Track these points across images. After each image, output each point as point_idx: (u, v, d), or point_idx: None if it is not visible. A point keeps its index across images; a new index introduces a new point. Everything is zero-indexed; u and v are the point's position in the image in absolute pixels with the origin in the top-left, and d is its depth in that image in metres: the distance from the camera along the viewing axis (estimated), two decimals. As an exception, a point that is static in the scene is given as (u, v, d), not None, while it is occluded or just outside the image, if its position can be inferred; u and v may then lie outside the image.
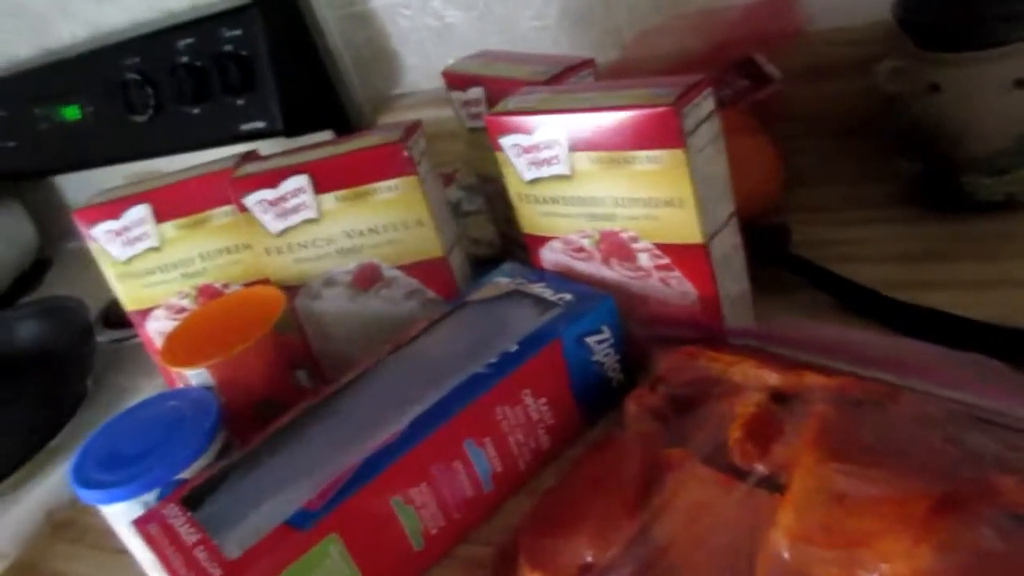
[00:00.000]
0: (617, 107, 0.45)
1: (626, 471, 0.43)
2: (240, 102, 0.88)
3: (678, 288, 0.49)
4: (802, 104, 0.67)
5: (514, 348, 0.47)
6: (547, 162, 0.49)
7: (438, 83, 0.89)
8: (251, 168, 0.56)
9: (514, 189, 0.52)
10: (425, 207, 0.53)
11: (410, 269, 0.55)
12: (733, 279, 0.49)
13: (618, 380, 0.52)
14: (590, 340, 0.49)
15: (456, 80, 0.61)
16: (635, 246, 0.49)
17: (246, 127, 0.89)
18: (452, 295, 0.56)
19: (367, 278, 0.56)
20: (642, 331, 0.52)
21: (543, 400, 0.48)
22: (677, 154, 0.44)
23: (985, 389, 0.41)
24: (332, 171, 0.53)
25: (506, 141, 0.50)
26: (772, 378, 0.43)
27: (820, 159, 0.67)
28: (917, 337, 0.48)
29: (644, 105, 0.44)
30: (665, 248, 0.48)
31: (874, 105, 0.66)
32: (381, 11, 0.88)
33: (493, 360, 0.47)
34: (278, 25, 0.87)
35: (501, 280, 0.54)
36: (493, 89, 0.57)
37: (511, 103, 0.50)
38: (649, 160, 0.45)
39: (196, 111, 0.93)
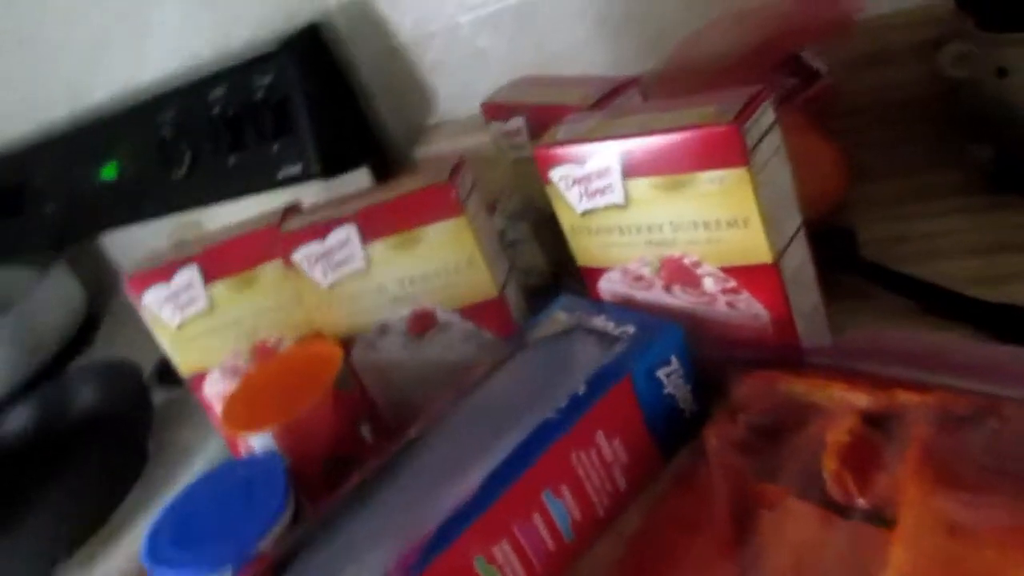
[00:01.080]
0: (674, 129, 0.43)
1: (715, 510, 0.40)
2: (275, 148, 0.88)
3: (747, 310, 0.46)
4: (859, 95, 0.64)
5: (582, 390, 0.45)
6: (600, 192, 0.47)
7: (474, 109, 0.88)
8: (297, 223, 0.55)
9: (567, 222, 0.50)
10: (476, 246, 0.52)
11: (465, 312, 0.54)
12: (805, 294, 0.47)
13: (691, 410, 0.49)
14: (660, 373, 0.47)
15: (495, 111, 0.60)
16: (698, 271, 0.47)
17: (283, 173, 0.89)
18: (510, 333, 0.54)
19: (422, 324, 0.55)
20: (712, 356, 0.50)
21: (617, 440, 0.46)
22: (740, 173, 0.42)
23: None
24: (379, 218, 0.52)
25: (556, 173, 0.48)
26: (862, 400, 0.40)
27: (882, 152, 0.64)
28: (1011, 340, 0.45)
29: (703, 124, 0.42)
30: (731, 271, 0.45)
31: (935, 91, 0.64)
32: (411, 44, 0.87)
33: (562, 404, 0.45)
34: (309, 67, 0.86)
35: (560, 315, 0.53)
36: (536, 118, 0.55)
37: (559, 133, 0.49)
38: (710, 181, 0.43)
39: (232, 161, 0.93)
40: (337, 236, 0.53)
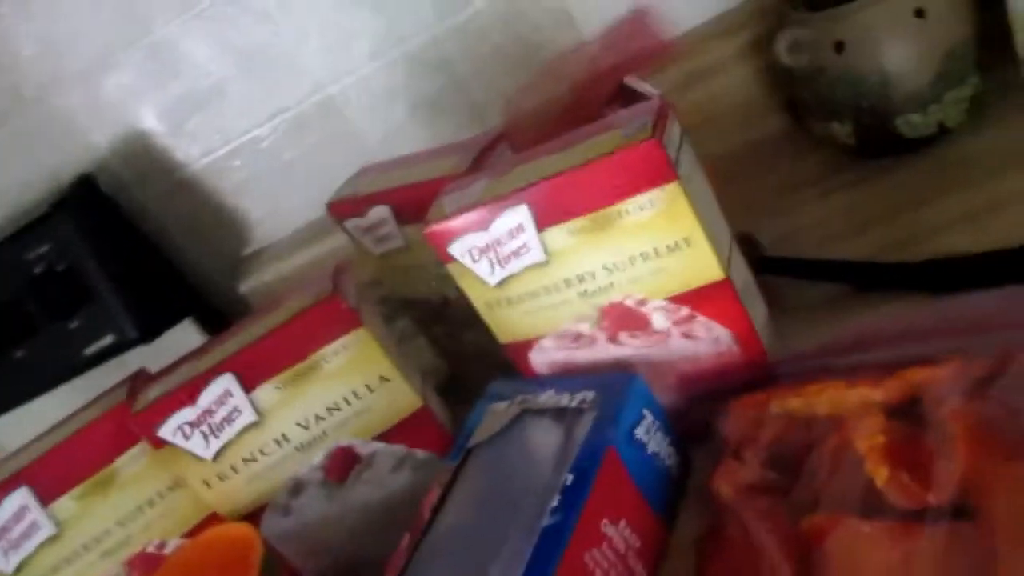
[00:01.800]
0: (588, 162, 0.38)
1: (767, 563, 0.35)
2: (76, 324, 0.75)
3: (707, 336, 0.42)
4: (695, 110, 0.64)
5: (570, 479, 0.39)
6: (515, 254, 0.41)
7: (295, 226, 0.80)
8: (155, 392, 0.44)
9: (480, 298, 0.44)
10: (385, 356, 0.44)
11: (389, 435, 0.46)
12: (756, 305, 0.43)
13: (675, 465, 0.44)
14: (639, 432, 0.41)
15: (347, 208, 0.53)
16: (644, 309, 0.42)
17: (92, 349, 0.75)
18: (447, 445, 0.46)
19: (341, 466, 0.46)
20: (679, 400, 0.45)
21: (623, 523, 0.39)
22: (672, 189, 0.38)
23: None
24: (260, 358, 0.43)
25: (457, 248, 0.42)
26: (876, 394, 0.37)
27: (741, 156, 0.64)
28: (947, 291, 0.44)
29: (619, 148, 0.37)
30: (681, 298, 0.41)
31: (769, 85, 0.65)
32: (206, 172, 0.78)
33: (555, 503, 0.38)
34: (92, 223, 0.74)
35: (498, 406, 0.46)
36: (403, 201, 0.49)
37: (447, 205, 0.43)
38: (640, 208, 0.38)
39: (20, 355, 0.78)
40: (212, 392, 0.43)
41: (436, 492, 0.43)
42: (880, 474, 0.34)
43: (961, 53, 0.52)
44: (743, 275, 0.43)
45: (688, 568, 0.39)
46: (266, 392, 0.43)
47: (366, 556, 0.47)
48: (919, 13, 0.51)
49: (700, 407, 0.44)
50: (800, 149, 0.62)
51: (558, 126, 0.54)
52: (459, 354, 0.57)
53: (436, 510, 0.42)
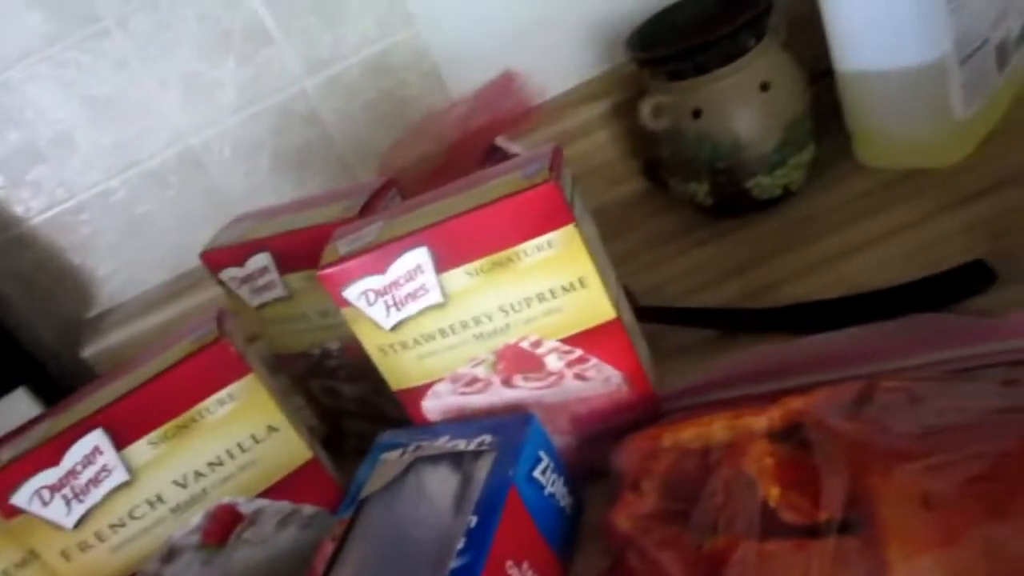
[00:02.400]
0: (488, 203, 0.39)
1: (675, 592, 0.36)
2: None
3: (598, 377, 0.43)
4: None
5: (474, 521, 0.38)
6: (412, 296, 0.41)
7: (146, 286, 0.76)
8: (5, 455, 0.40)
9: (373, 343, 0.43)
10: (275, 406, 0.42)
11: (274, 491, 0.43)
12: (641, 345, 0.45)
13: (569, 505, 0.44)
14: (536, 474, 0.42)
15: (224, 256, 0.51)
16: (539, 351, 0.43)
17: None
18: (336, 499, 0.44)
19: (222, 526, 0.43)
20: (571, 441, 0.46)
21: (526, 564, 0.39)
22: (569, 231, 0.39)
23: (936, 343, 0.41)
24: (139, 409, 0.40)
25: (352, 291, 0.42)
26: (760, 421, 0.39)
27: (606, 213, 0.67)
28: (805, 332, 0.48)
29: (520, 190, 0.38)
30: (575, 339, 0.42)
31: (631, 148, 0.69)
32: (50, 225, 0.72)
33: (461, 546, 0.37)
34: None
35: (390, 456, 0.45)
36: (286, 248, 0.48)
37: (341, 248, 0.42)
38: (538, 249, 0.40)
39: None
40: (79, 451, 0.39)
41: (329, 547, 0.41)
42: (772, 494, 0.36)
43: (800, 123, 0.58)
44: (629, 317, 0.45)
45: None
46: (140, 448, 0.40)
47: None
48: (764, 87, 0.56)
49: (592, 448, 0.45)
50: (661, 208, 0.66)
51: (432, 183, 0.55)
52: (338, 411, 0.56)
53: (330, 566, 0.40)
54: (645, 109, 0.59)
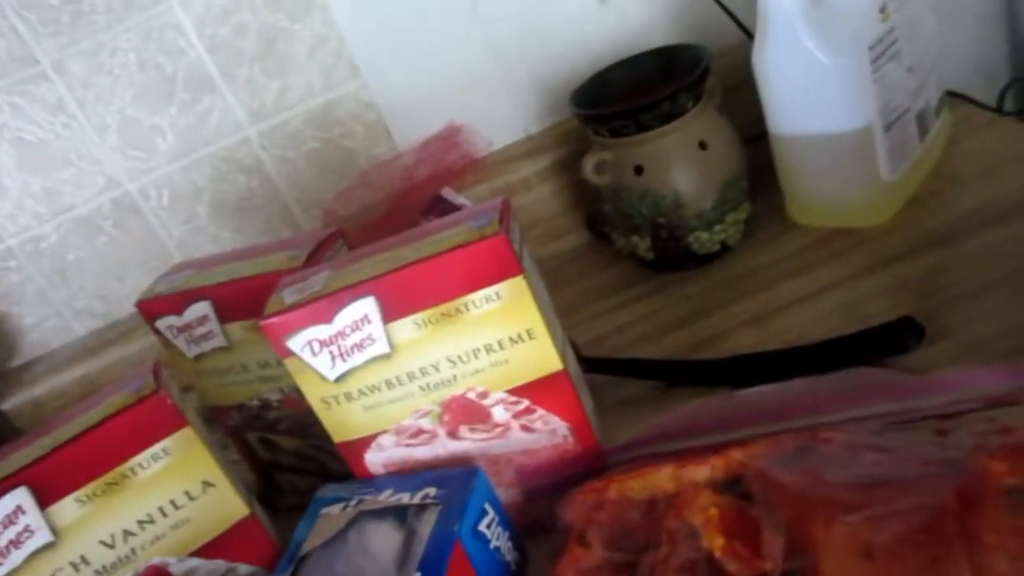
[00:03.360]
0: (437, 254, 0.39)
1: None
2: None
3: (545, 428, 0.43)
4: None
5: (418, 576, 0.37)
6: (359, 347, 0.41)
7: (74, 335, 0.73)
8: (-82, 512, 0.38)
9: (316, 395, 0.43)
10: (211, 460, 0.41)
11: (209, 549, 0.42)
12: (586, 397, 0.46)
13: (515, 560, 0.44)
14: (482, 527, 0.41)
15: (160, 306, 0.49)
16: (485, 402, 0.43)
17: None
18: (274, 558, 0.43)
19: (151, 587, 0.41)
20: (516, 495, 0.45)
21: (471, 621, 0.38)
22: (518, 282, 0.39)
23: (872, 396, 0.43)
24: (67, 466, 0.38)
25: (296, 342, 0.41)
26: (703, 472, 0.40)
27: (545, 267, 0.68)
28: (746, 384, 0.49)
29: (469, 241, 0.39)
30: (521, 390, 0.42)
31: (573, 202, 0.70)
32: (-30, 272, 0.70)
33: (404, 603, 0.36)
34: None
35: (331, 510, 0.44)
36: (227, 298, 0.47)
37: (287, 297, 0.41)
38: (487, 300, 0.40)
39: None
40: (3, 507, 0.37)
41: (266, 607, 0.39)
42: (716, 544, 0.36)
43: (736, 182, 0.60)
44: (575, 368, 0.45)
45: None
46: (66, 507, 0.38)
47: None
48: (702, 145, 0.58)
49: (537, 501, 0.45)
50: (603, 262, 0.67)
51: (376, 233, 0.55)
52: (276, 465, 0.54)
53: (267, 627, 0.39)
54: (588, 165, 0.60)
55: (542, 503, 0.44)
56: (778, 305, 0.55)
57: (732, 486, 0.39)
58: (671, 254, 0.61)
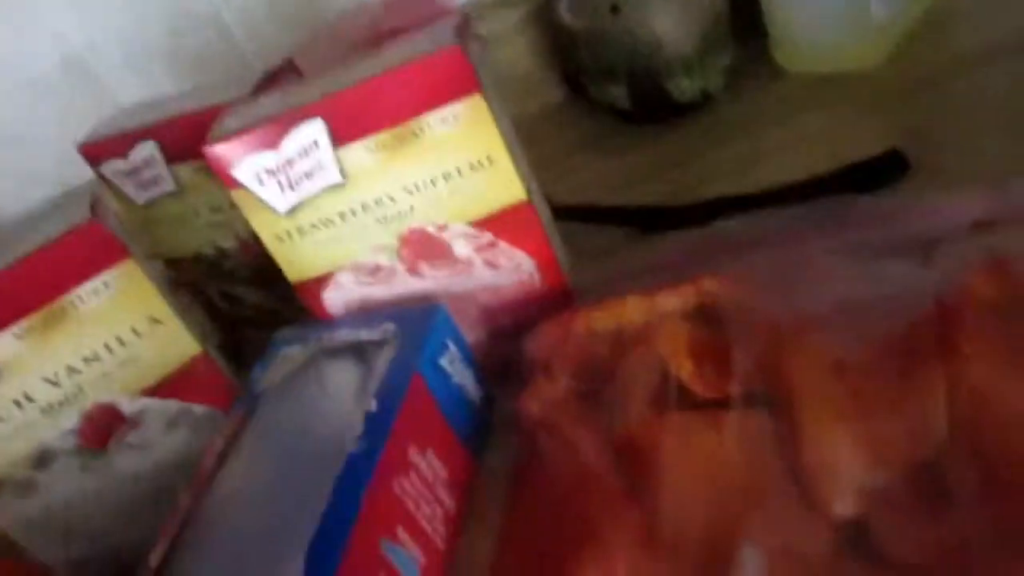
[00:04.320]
0: (387, 69, 0.36)
1: (584, 471, 0.34)
2: None
3: (509, 265, 0.41)
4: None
5: (374, 406, 0.36)
6: (308, 175, 0.38)
7: (27, 202, 0.70)
8: None
9: (269, 231, 0.40)
10: (157, 295, 0.39)
11: (161, 389, 0.40)
12: (555, 236, 0.43)
13: (479, 398, 0.43)
14: (443, 363, 0.40)
15: (105, 148, 0.46)
16: (445, 236, 0.40)
17: None
18: (230, 399, 0.41)
19: (101, 429, 0.39)
20: (482, 334, 0.44)
21: (431, 453, 0.37)
22: (477, 103, 0.37)
23: (854, 223, 0.40)
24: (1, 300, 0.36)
25: (243, 171, 0.38)
26: (673, 301, 0.38)
27: (521, 123, 0.65)
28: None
29: (423, 55, 0.36)
30: (484, 223, 0.40)
31: (548, 57, 0.66)
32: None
33: (358, 432, 0.35)
34: None
35: (289, 351, 0.42)
36: (174, 136, 0.44)
37: (231, 123, 0.39)
38: (443, 121, 0.37)
39: None
40: (-68, 340, 0.35)
41: (219, 443, 0.38)
42: (685, 369, 0.35)
43: (720, 24, 0.56)
44: (543, 205, 0.42)
45: (498, 498, 0.38)
46: (3, 342, 0.36)
47: (134, 538, 0.41)
48: (685, -18, 0.54)
49: (504, 343, 0.43)
50: (581, 116, 0.64)
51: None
52: (236, 318, 0.52)
53: (221, 461, 0.37)
54: (563, 4, 0.56)
55: (509, 345, 0.42)
56: (761, 153, 0.53)
57: (703, 314, 0.37)
58: (649, 103, 0.58)
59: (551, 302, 0.42)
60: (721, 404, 0.33)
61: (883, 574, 0.27)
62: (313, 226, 0.40)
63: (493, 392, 0.44)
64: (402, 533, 0.34)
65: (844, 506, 0.29)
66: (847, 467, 0.29)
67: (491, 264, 0.41)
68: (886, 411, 0.30)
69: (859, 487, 0.29)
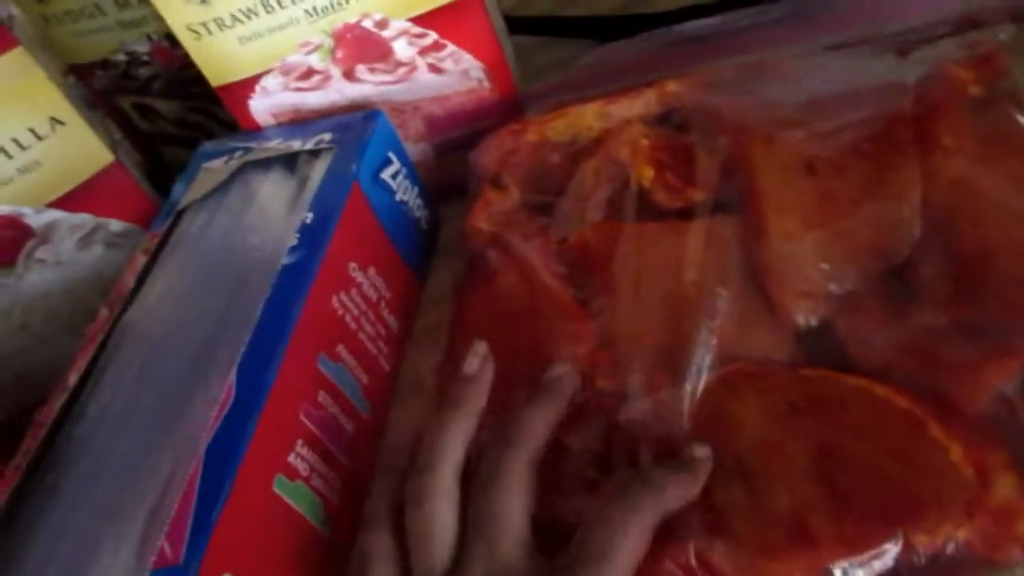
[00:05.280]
0: None
1: (535, 284, 0.32)
2: None
3: (455, 69, 0.38)
4: None
5: (310, 217, 0.33)
6: (224, -46, 0.33)
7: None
8: None
9: (181, 23, 0.36)
10: (56, 92, 0.34)
11: (70, 200, 0.36)
12: (503, 36, 0.39)
13: (426, 219, 0.40)
14: (385, 176, 0.37)
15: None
16: (385, 34, 0.36)
17: None
18: (150, 214, 0.38)
19: (6, 241, 0.36)
20: (427, 150, 0.41)
21: (372, 270, 0.35)
22: None
23: (829, 22, 0.38)
24: None
25: (145, -55, 0.33)
26: (635, 106, 0.35)
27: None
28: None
29: None
30: (427, 19, 0.36)
31: None
32: None
33: (293, 243, 0.32)
34: None
35: (214, 164, 0.38)
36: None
37: None
38: None
39: None
40: None
41: (140, 260, 0.35)
42: (645, 175, 0.32)
43: None
44: (493, 6, 0.38)
45: (443, 319, 0.36)
46: None
47: (45, 360, 0.38)
48: None
49: (450, 159, 0.40)
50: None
51: None
52: (155, 135, 0.48)
53: (142, 279, 0.34)
54: None
55: (456, 161, 0.39)
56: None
57: (665, 120, 0.35)
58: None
59: (501, 113, 0.39)
60: (684, 214, 0.31)
61: (846, 378, 0.26)
62: (233, 17, 0.35)
63: (439, 214, 0.41)
64: (343, 351, 0.32)
65: (807, 311, 0.28)
66: (813, 270, 0.28)
67: (436, 69, 0.38)
68: (857, 211, 0.28)
69: (825, 292, 0.28)
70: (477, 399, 0.27)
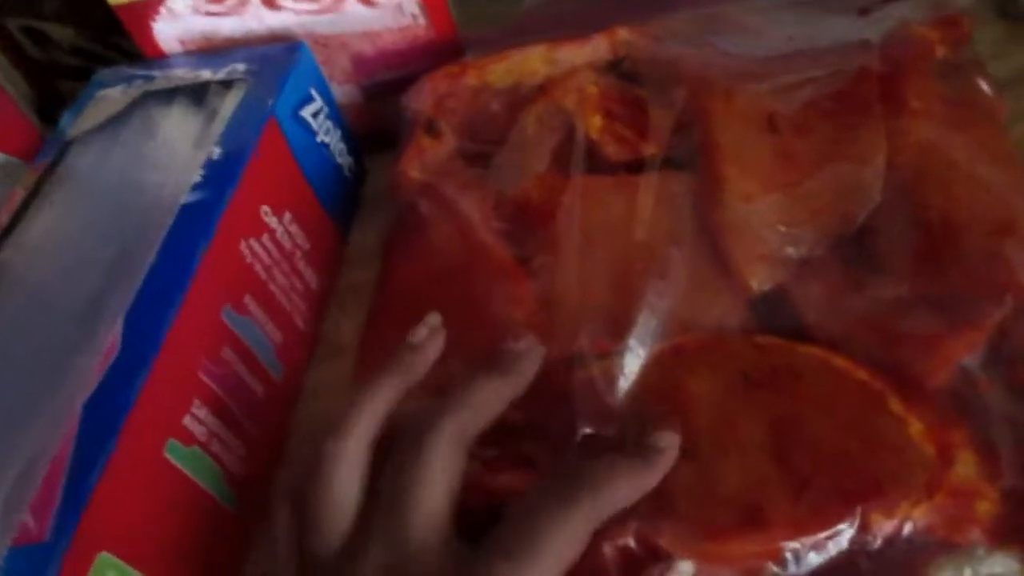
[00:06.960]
0: None
1: (471, 239, 0.29)
2: None
3: (388, 3, 0.34)
4: None
5: (217, 153, 0.29)
6: None
7: None
8: None
9: (74, -75, 0.31)
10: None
11: (-62, 126, 0.32)
12: (444, -25, 0.36)
13: (349, 167, 0.37)
14: (305, 114, 0.33)
15: None
16: (312, -44, 0.33)
17: None
18: (36, 146, 0.33)
19: None
20: (354, 92, 0.37)
21: (288, 216, 0.31)
22: None
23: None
24: None
25: None
26: (584, 52, 0.32)
27: None
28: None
29: None
30: (359, -58, 0.32)
31: None
32: None
33: (197, 180, 0.28)
34: None
35: (108, 93, 0.34)
36: None
37: None
38: None
39: None
40: None
41: (18, 196, 0.31)
42: (593, 125, 0.30)
43: None
44: (431, -71, 0.35)
45: (369, 278, 0.32)
46: None
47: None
48: None
49: (379, 103, 0.37)
50: None
51: None
52: (48, 64, 0.43)
53: (21, 215, 0.30)
54: None
55: (386, 108, 0.36)
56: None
57: (616, 68, 0.32)
58: None
59: (438, 56, 0.36)
60: (633, 167, 0.29)
61: (802, 348, 0.24)
62: (136, -76, 0.31)
63: (365, 166, 0.38)
64: (251, 303, 0.28)
65: (763, 275, 0.26)
66: (770, 232, 0.26)
67: (366, 1, 0.34)
68: (819, 172, 0.26)
69: (782, 255, 0.26)
70: (414, 370, 0.24)
